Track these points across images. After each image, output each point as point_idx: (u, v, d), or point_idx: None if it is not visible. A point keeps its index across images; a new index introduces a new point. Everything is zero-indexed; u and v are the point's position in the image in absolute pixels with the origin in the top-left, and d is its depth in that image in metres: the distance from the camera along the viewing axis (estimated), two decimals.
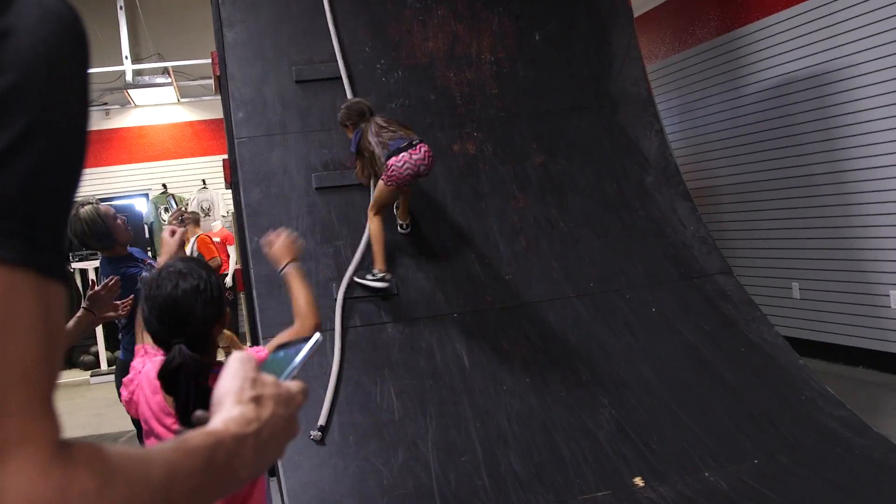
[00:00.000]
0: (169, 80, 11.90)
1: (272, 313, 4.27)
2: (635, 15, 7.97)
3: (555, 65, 5.38)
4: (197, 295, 1.98)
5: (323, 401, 3.88)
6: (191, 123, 13.15)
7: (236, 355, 1.01)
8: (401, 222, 4.66)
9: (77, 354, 10.74)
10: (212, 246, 9.64)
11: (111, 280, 3.47)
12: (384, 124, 4.36)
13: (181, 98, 12.91)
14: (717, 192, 7.72)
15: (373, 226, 4.37)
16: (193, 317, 1.98)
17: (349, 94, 4.83)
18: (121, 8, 12.56)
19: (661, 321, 4.51)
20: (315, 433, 3.76)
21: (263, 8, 5.13)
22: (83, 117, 0.74)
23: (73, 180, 0.72)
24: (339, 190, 4.68)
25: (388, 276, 4.33)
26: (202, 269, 2.09)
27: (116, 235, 4.30)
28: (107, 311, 3.42)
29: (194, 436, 0.84)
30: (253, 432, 0.91)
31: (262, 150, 4.80)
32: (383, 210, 4.42)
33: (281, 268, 2.52)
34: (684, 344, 4.40)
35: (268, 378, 0.99)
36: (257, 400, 0.95)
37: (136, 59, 12.68)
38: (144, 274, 4.45)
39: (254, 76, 4.98)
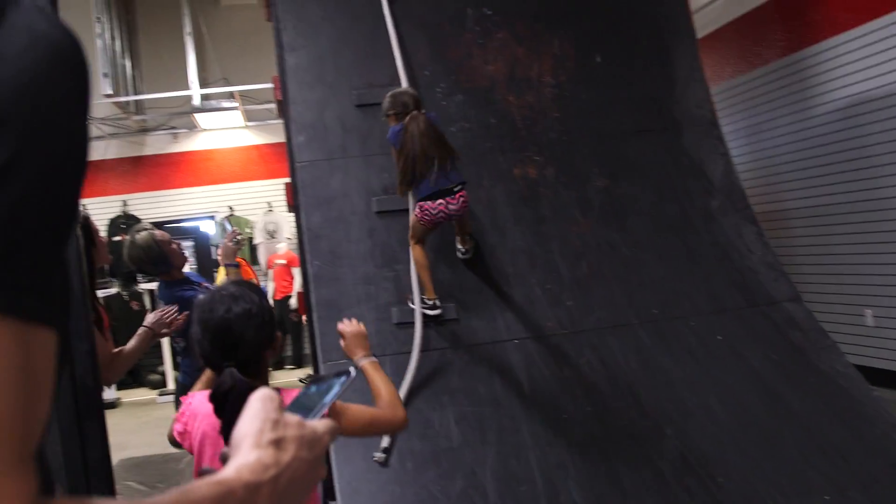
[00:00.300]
0: (235, 104, 12.09)
1: (332, 337, 4.24)
2: (699, 36, 7.87)
3: (616, 87, 5.32)
4: (249, 319, 1.99)
5: None
6: (257, 147, 13.33)
7: (259, 393, 0.97)
8: (460, 247, 4.60)
9: (144, 373, 10.91)
10: (248, 269, 9.80)
11: (168, 310, 3.68)
12: (428, 143, 4.12)
13: (247, 121, 13.10)
14: (785, 216, 7.55)
15: (415, 254, 4.30)
16: (245, 341, 1.98)
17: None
18: (188, 34, 12.80)
19: (727, 349, 4.40)
20: (379, 455, 3.72)
21: (324, 33, 5.17)
22: (75, 149, 0.70)
23: (62, 216, 0.68)
24: (399, 214, 4.66)
25: (438, 304, 4.28)
26: (254, 293, 2.09)
27: (172, 260, 4.36)
28: (162, 328, 3.60)
29: (200, 485, 0.79)
30: (270, 479, 0.85)
31: (322, 173, 4.82)
32: (422, 240, 4.32)
33: (356, 361, 2.44)
34: (751, 373, 4.28)
35: (291, 419, 0.94)
36: (278, 443, 0.89)
37: (203, 84, 12.90)
38: (201, 296, 4.50)
39: (315, 100, 5.01)
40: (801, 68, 7.27)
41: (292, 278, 11.10)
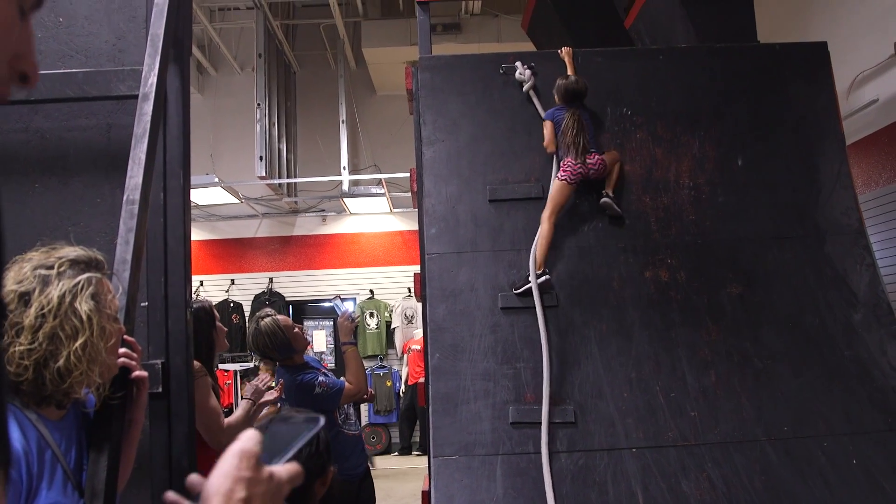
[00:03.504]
0: (382, 190, 12.44)
1: (447, 432, 4.25)
2: (852, 140, 7.64)
3: (757, 191, 5.18)
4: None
5: None
6: (400, 233, 13.64)
7: (236, 447, 0.99)
8: (607, 192, 5.00)
9: None
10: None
11: (262, 378, 3.89)
12: (580, 128, 4.95)
13: (393, 208, 13.43)
14: None
15: (545, 227, 4.76)
16: None
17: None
18: (343, 122, 13.33)
19: (863, 475, 4.12)
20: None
21: (463, 129, 5.26)
22: None
23: None
24: (525, 311, 4.63)
25: (547, 272, 4.69)
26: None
27: (295, 345, 4.47)
28: (260, 397, 3.81)
29: None
30: None
31: (450, 266, 4.85)
32: (557, 216, 4.81)
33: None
34: (888, 503, 3.99)
35: (262, 475, 0.97)
36: (247, 502, 0.92)
37: (353, 170, 13.36)
38: (321, 379, 4.59)
39: (449, 194, 5.07)
40: None
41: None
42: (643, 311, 4.76)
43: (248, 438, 1.03)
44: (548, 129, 5.04)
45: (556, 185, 4.89)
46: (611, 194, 4.94)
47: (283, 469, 1.03)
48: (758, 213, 5.14)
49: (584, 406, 4.33)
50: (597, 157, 4.91)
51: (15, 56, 0.82)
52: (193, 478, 1.01)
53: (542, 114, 5.21)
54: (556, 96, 5.12)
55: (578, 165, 4.83)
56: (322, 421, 1.14)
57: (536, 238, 4.78)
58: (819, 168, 5.34)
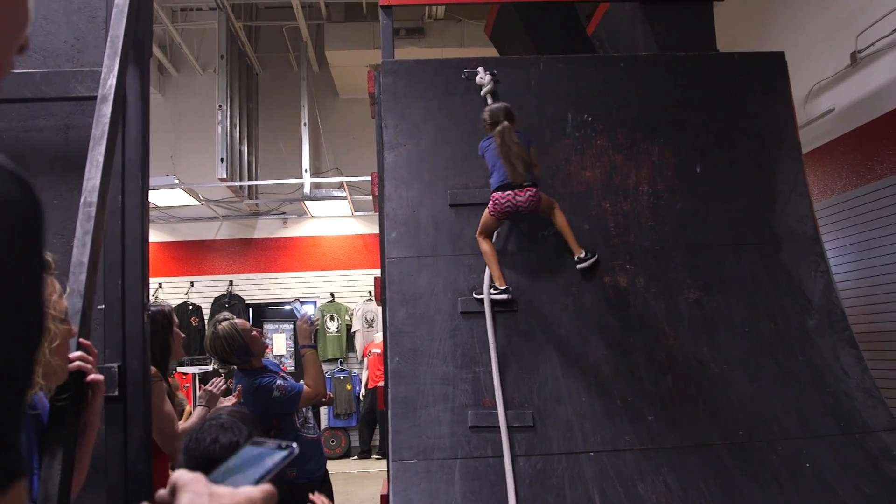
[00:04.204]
0: (344, 193, 12.41)
1: (406, 436, 4.25)
2: (809, 149, 7.75)
3: (715, 198, 5.24)
4: (234, 452, 1.99)
5: None
6: (362, 236, 13.63)
7: (188, 476, 1.00)
8: (578, 256, 4.81)
9: None
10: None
11: (215, 381, 3.88)
12: (517, 148, 4.62)
13: (354, 211, 13.40)
14: (890, 339, 7.22)
15: (483, 247, 4.73)
16: None
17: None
18: (305, 124, 13.29)
19: (816, 479, 4.18)
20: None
21: (424, 133, 5.27)
22: (15, 298, 0.68)
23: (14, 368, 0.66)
24: (484, 316, 4.64)
25: (510, 289, 4.62)
26: (246, 424, 2.09)
27: (253, 348, 4.44)
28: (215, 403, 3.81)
29: None
30: None
31: (411, 270, 4.86)
32: (489, 234, 4.78)
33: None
34: None
35: (223, 491, 0.98)
36: None
37: (315, 173, 13.32)
38: (279, 382, 4.58)
39: (409, 198, 5.08)
40: None
41: None
42: (602, 317, 4.80)
43: (185, 472, 1.05)
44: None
45: (485, 214, 4.76)
46: (582, 256, 4.80)
47: (257, 490, 1.04)
48: (716, 219, 5.20)
49: (542, 410, 4.36)
50: (529, 192, 4.63)
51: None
52: (161, 494, 1.03)
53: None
54: (486, 128, 4.87)
55: (507, 199, 4.63)
56: (296, 448, 1.15)
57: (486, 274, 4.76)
58: (776, 176, 5.41)
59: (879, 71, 7.23)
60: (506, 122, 4.68)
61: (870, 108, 7.43)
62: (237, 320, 4.57)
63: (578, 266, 4.77)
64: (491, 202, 4.66)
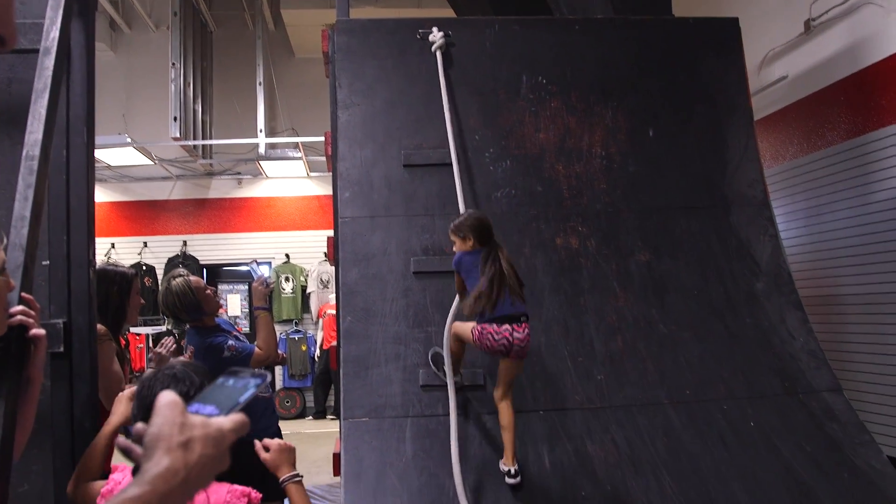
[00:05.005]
0: (299, 154, 12.32)
1: (357, 394, 4.27)
2: (762, 116, 7.82)
3: (667, 162, 5.29)
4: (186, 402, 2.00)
5: (399, 493, 3.83)
6: (317, 197, 13.55)
7: (164, 398, 1.06)
8: (508, 468, 3.88)
9: None
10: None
11: (165, 342, 3.79)
12: (513, 273, 3.82)
13: (310, 172, 13.32)
14: (836, 302, 7.36)
15: (453, 346, 4.13)
16: None
17: (457, 181, 4.81)
18: (260, 84, 13.13)
19: (759, 437, 4.28)
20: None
21: (378, 93, 5.24)
22: None
23: None
24: (437, 276, 4.66)
25: (516, 471, 3.84)
26: (199, 375, 2.10)
27: (206, 307, 4.41)
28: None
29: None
30: (180, 482, 0.96)
31: (364, 230, 4.85)
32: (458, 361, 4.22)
33: (281, 479, 2.63)
34: (782, 464, 4.15)
35: (196, 419, 1.04)
36: (186, 444, 1.00)
37: (270, 133, 13.19)
38: (230, 342, 4.57)
39: (363, 158, 5.06)
40: (865, 152, 7.14)
41: None
42: (553, 278, 4.84)
43: (168, 393, 1.11)
44: (457, 279, 4.11)
45: (466, 335, 3.92)
46: (513, 470, 3.86)
47: (227, 419, 1.10)
48: (667, 183, 5.25)
49: (493, 370, 4.39)
50: (526, 328, 3.78)
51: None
52: (139, 426, 1.10)
53: (442, 78, 5.19)
54: (460, 236, 3.99)
55: (502, 335, 3.74)
56: (268, 377, 1.20)
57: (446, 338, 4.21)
58: (727, 141, 5.47)
59: (832, 39, 7.30)
60: (498, 245, 3.92)
61: (822, 75, 7.51)
62: (192, 277, 4.54)
63: (506, 479, 3.86)
64: (478, 333, 3.79)
